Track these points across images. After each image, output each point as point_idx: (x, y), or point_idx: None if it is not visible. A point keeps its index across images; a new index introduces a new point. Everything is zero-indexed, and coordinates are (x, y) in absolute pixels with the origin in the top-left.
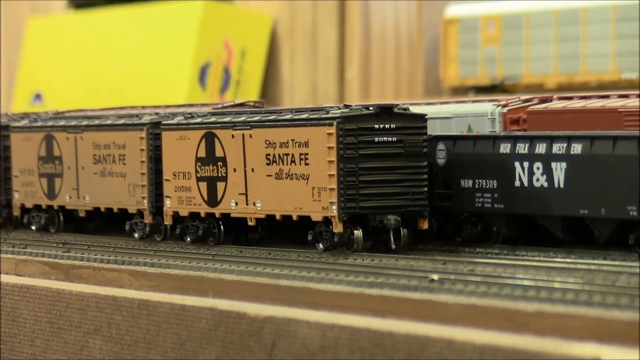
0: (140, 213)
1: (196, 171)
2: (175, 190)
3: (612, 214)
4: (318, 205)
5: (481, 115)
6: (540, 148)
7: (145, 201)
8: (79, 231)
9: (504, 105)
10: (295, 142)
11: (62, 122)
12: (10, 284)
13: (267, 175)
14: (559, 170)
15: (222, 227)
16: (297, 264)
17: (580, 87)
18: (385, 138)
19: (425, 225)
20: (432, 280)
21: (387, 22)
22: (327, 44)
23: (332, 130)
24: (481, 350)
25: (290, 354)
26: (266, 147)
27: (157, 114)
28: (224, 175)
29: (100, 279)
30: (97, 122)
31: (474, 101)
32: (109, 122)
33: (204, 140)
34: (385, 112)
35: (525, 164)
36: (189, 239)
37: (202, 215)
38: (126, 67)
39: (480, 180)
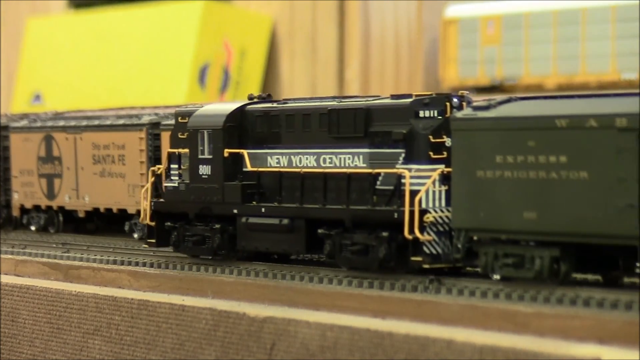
0: (139, 213)
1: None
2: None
3: None
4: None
5: None
6: None
7: None
8: (79, 232)
9: None
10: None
11: (61, 123)
12: (9, 285)
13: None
14: None
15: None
16: (296, 265)
17: (580, 87)
18: None
19: None
20: (432, 280)
21: (386, 23)
22: (327, 44)
23: None
24: (481, 350)
25: (289, 354)
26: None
27: (156, 114)
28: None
29: (100, 280)
30: (96, 122)
31: None
32: (108, 122)
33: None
34: None
35: None
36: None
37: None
38: (126, 67)
39: None
